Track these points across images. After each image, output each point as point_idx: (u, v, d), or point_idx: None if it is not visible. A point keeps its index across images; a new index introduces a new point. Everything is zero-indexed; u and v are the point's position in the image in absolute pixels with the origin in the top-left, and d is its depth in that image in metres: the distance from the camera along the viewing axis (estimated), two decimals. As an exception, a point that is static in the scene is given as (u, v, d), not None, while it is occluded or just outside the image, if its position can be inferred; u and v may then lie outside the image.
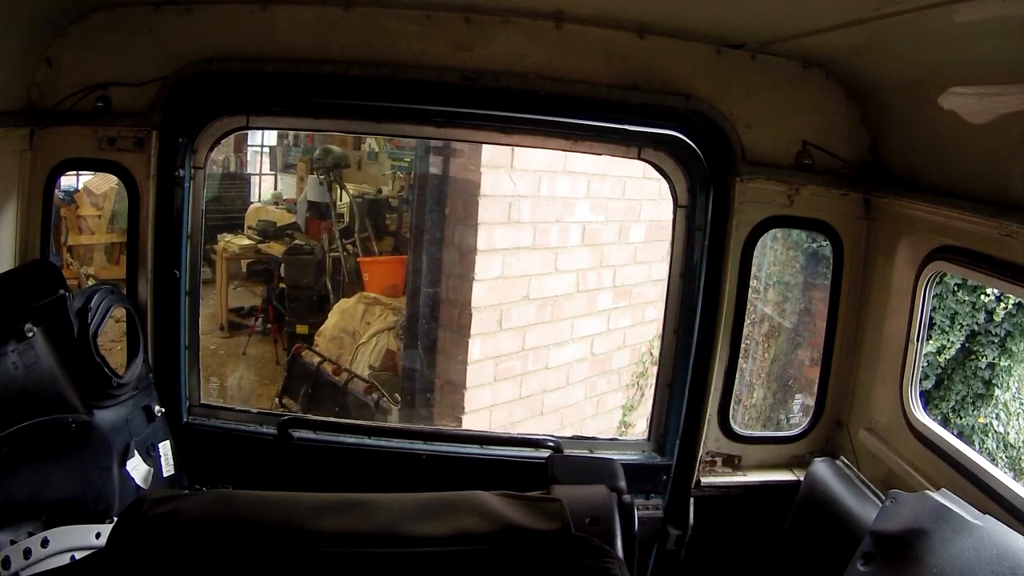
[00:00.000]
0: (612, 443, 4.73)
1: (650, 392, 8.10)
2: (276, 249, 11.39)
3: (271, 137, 15.29)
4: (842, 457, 3.70)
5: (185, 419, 3.76)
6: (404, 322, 8.34)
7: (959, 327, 9.64)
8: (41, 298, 2.93)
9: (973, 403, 9.99)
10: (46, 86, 3.35)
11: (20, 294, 3.00)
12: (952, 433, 3.26)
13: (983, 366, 9.86)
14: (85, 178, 10.98)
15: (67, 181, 10.73)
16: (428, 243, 7.66)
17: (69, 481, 2.84)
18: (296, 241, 11.51)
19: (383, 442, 3.83)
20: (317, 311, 10.40)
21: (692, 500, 3.76)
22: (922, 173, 3.24)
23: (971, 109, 2.84)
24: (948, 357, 9.75)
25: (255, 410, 4.11)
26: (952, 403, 9.97)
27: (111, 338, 4.91)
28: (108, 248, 11.19)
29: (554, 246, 7.94)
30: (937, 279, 3.31)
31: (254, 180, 15.56)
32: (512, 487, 1.68)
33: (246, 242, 11.78)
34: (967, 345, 9.82)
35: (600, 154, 4.07)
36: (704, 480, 3.75)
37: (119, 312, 3.40)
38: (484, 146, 7.00)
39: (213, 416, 3.85)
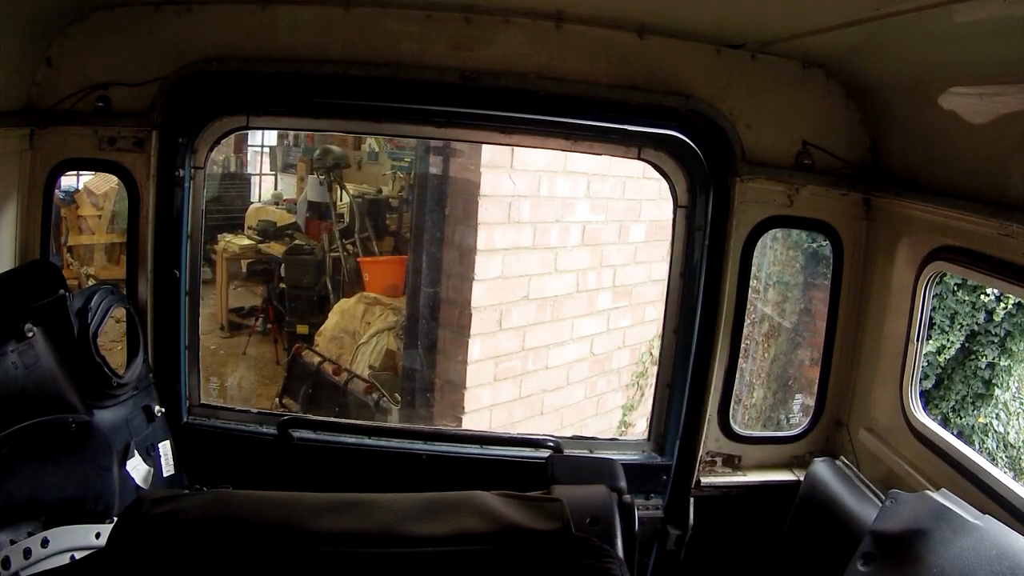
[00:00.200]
0: (612, 443, 4.73)
1: (650, 392, 8.10)
2: (276, 249, 11.39)
3: (271, 137, 15.30)
4: (842, 457, 3.70)
5: (185, 419, 3.76)
6: (404, 322, 8.34)
7: (959, 327, 9.64)
8: (41, 298, 2.93)
9: (973, 403, 9.99)
10: (46, 86, 3.35)
11: (20, 294, 3.00)
12: (952, 433, 3.26)
13: (983, 366, 9.86)
14: (85, 178, 10.99)
15: (67, 181, 10.74)
16: (428, 243, 7.67)
17: (69, 481, 2.84)
18: (296, 241, 11.51)
19: (383, 442, 3.83)
20: (317, 311, 10.40)
21: (692, 500, 3.76)
22: (922, 173, 3.24)
23: (971, 109, 2.83)
24: (948, 357, 9.75)
25: (255, 410, 4.11)
26: (952, 403, 9.98)
27: (111, 338, 4.91)
28: (108, 248, 11.19)
29: (554, 246, 7.94)
30: (937, 279, 3.30)
31: (254, 180, 15.56)
32: (512, 487, 1.68)
33: (246, 242, 11.78)
34: (967, 345, 9.83)
35: (600, 154, 4.06)
36: (704, 480, 3.75)
37: (119, 312, 3.40)
38: (484, 146, 7.00)
39: (213, 416, 3.85)
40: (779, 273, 9.54)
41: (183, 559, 1.43)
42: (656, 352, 6.59)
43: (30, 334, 2.73)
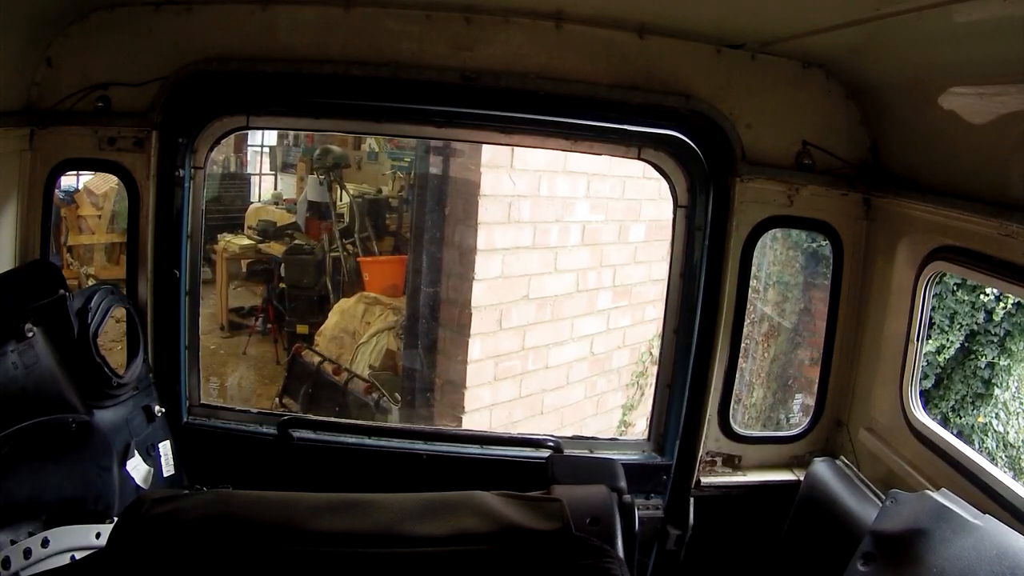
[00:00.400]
0: (612, 443, 4.72)
1: (650, 392, 8.11)
2: (276, 249, 11.39)
3: (271, 137, 15.29)
4: (842, 457, 3.70)
5: (185, 419, 3.76)
6: (404, 322, 8.34)
7: (958, 327, 9.64)
8: (41, 298, 2.93)
9: (972, 403, 9.99)
10: (46, 86, 3.35)
11: (20, 294, 3.00)
12: (952, 432, 3.26)
13: (982, 365, 9.86)
14: (85, 178, 10.98)
15: (67, 181, 10.74)
16: (428, 243, 7.66)
17: (69, 481, 2.84)
18: (296, 241, 11.51)
19: (383, 442, 3.83)
20: (317, 311, 10.40)
21: (692, 500, 3.76)
22: (922, 173, 3.24)
23: (971, 109, 2.83)
24: (948, 357, 9.76)
25: (255, 410, 4.11)
26: (952, 403, 9.98)
27: (111, 338, 4.91)
28: (108, 248, 11.19)
29: (554, 246, 7.94)
30: (937, 279, 3.30)
31: (254, 180, 15.55)
32: (512, 487, 1.68)
33: (246, 242, 11.78)
34: (966, 345, 9.83)
35: (600, 154, 4.07)
36: (704, 480, 3.75)
37: (119, 312, 3.40)
38: (484, 146, 7.00)
39: (213, 416, 3.86)
40: (779, 273, 9.54)
41: (183, 559, 1.43)
42: (656, 352, 6.61)
43: (30, 334, 2.73)
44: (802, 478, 3.65)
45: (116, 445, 3.12)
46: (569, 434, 7.21)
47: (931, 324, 9.18)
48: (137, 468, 3.23)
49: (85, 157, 3.45)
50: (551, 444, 3.71)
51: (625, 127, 3.59)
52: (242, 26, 3.36)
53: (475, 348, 7.49)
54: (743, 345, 3.71)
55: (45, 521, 2.66)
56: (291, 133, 14.30)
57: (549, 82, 3.41)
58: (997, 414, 9.98)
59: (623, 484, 3.06)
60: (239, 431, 3.82)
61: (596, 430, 9.06)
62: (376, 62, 3.37)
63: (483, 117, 3.64)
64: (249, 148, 15.45)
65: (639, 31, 3.39)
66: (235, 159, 15.06)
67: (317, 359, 8.67)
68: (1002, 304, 9.51)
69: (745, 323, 3.68)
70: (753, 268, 3.66)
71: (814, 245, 8.89)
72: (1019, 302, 9.38)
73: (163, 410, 3.47)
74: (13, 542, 2.47)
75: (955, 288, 9.56)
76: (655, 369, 4.16)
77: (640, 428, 9.29)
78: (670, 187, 3.79)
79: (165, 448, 3.46)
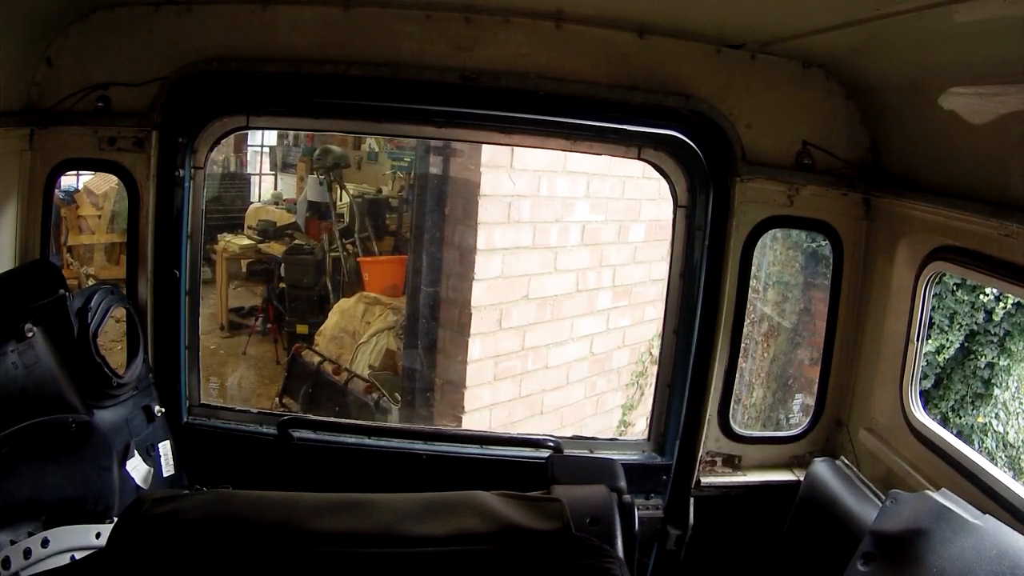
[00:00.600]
0: (612, 443, 4.73)
1: (650, 392, 8.10)
2: (276, 249, 11.39)
3: (271, 137, 15.29)
4: (842, 457, 3.70)
5: (185, 419, 3.76)
6: (404, 322, 8.34)
7: (958, 327, 9.65)
8: (41, 298, 2.93)
9: (972, 402, 10.00)
10: (46, 86, 3.35)
11: (20, 294, 3.00)
12: (951, 432, 3.26)
13: (982, 365, 9.87)
14: (85, 178, 10.98)
15: (67, 181, 10.74)
16: (428, 243, 7.67)
17: (69, 481, 2.84)
18: (296, 241, 11.51)
19: (383, 442, 3.83)
20: (317, 311, 10.40)
21: (692, 500, 3.76)
22: (922, 173, 3.24)
23: (971, 109, 2.83)
24: (947, 357, 9.76)
25: (255, 410, 4.11)
26: (951, 403, 9.98)
27: (111, 338, 4.91)
28: (108, 248, 11.19)
29: (554, 246, 7.94)
30: (937, 279, 3.31)
31: (254, 180, 15.55)
32: (512, 487, 1.68)
33: (246, 242, 11.78)
34: (966, 345, 9.83)
35: (600, 154, 4.06)
36: (704, 480, 3.75)
37: (119, 312, 3.40)
38: (484, 146, 7.00)
39: (213, 416, 3.85)
40: (779, 273, 9.54)
41: (183, 559, 1.43)
42: (656, 352, 6.60)
43: (30, 334, 2.73)
44: (802, 478, 3.65)
45: (116, 445, 3.12)
46: (569, 434, 7.23)
47: (931, 324, 9.18)
48: (137, 468, 3.23)
49: (85, 157, 3.45)
50: (551, 444, 3.71)
51: (625, 127, 3.59)
52: (242, 26, 3.36)
53: (475, 348, 7.50)
54: (743, 345, 3.71)
55: (45, 521, 2.66)
56: (291, 133, 14.29)
57: (549, 82, 3.41)
58: (997, 414, 9.99)
59: (623, 484, 3.06)
60: (239, 431, 3.82)
61: (596, 430, 9.06)
62: (376, 62, 3.37)
63: (483, 117, 3.64)
64: (249, 148, 15.45)
65: (639, 31, 3.39)
66: (235, 159, 15.06)
67: (317, 359, 8.67)
68: (1002, 304, 9.52)
69: (745, 323, 3.68)
70: (753, 268, 3.66)
71: (814, 245, 8.89)
72: (1019, 302, 9.38)
73: (163, 410, 3.47)
74: (13, 542, 2.47)
75: (955, 288, 9.56)
76: (655, 369, 4.17)
77: (640, 428, 9.29)
78: (670, 187, 3.79)
79: (165, 448, 3.46)
